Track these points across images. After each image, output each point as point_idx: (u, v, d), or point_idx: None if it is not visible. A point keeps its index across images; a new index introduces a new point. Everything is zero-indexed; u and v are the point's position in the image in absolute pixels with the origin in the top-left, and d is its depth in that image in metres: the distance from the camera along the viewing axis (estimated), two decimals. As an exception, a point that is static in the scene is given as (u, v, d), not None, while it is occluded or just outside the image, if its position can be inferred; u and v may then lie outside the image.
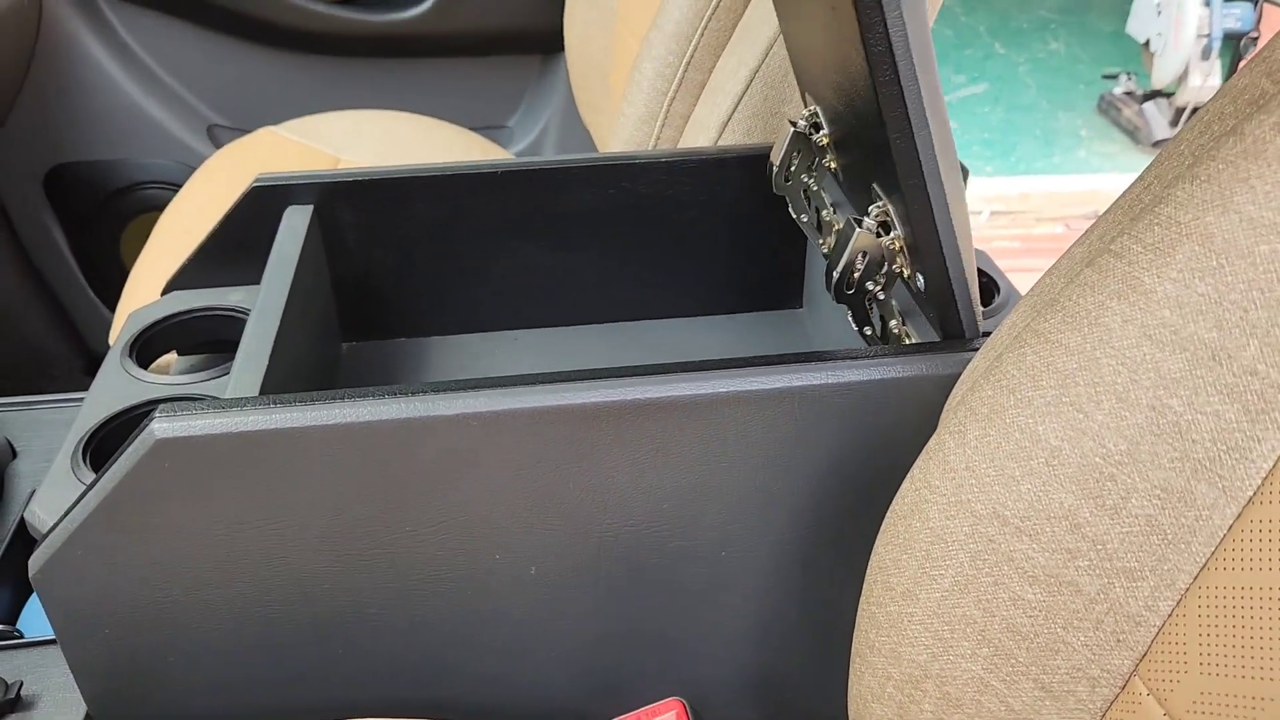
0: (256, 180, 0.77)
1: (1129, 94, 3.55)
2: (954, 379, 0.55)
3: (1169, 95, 3.36)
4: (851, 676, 0.51)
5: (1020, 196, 3.21)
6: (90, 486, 0.55)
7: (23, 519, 0.76)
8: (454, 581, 0.59)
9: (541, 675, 0.62)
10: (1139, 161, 3.33)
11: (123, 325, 0.76)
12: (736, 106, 0.80)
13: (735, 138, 0.81)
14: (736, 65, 0.81)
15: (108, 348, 1.62)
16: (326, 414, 0.53)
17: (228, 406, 0.53)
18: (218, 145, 1.55)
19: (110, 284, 1.60)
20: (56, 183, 1.53)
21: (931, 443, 0.47)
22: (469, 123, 1.55)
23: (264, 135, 1.37)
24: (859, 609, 0.51)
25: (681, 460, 0.56)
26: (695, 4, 0.83)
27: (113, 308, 1.61)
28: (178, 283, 0.80)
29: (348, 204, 0.75)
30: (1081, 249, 0.45)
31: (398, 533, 0.57)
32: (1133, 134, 3.48)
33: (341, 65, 1.55)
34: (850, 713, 0.52)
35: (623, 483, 0.57)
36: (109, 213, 1.56)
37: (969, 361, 0.55)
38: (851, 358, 0.56)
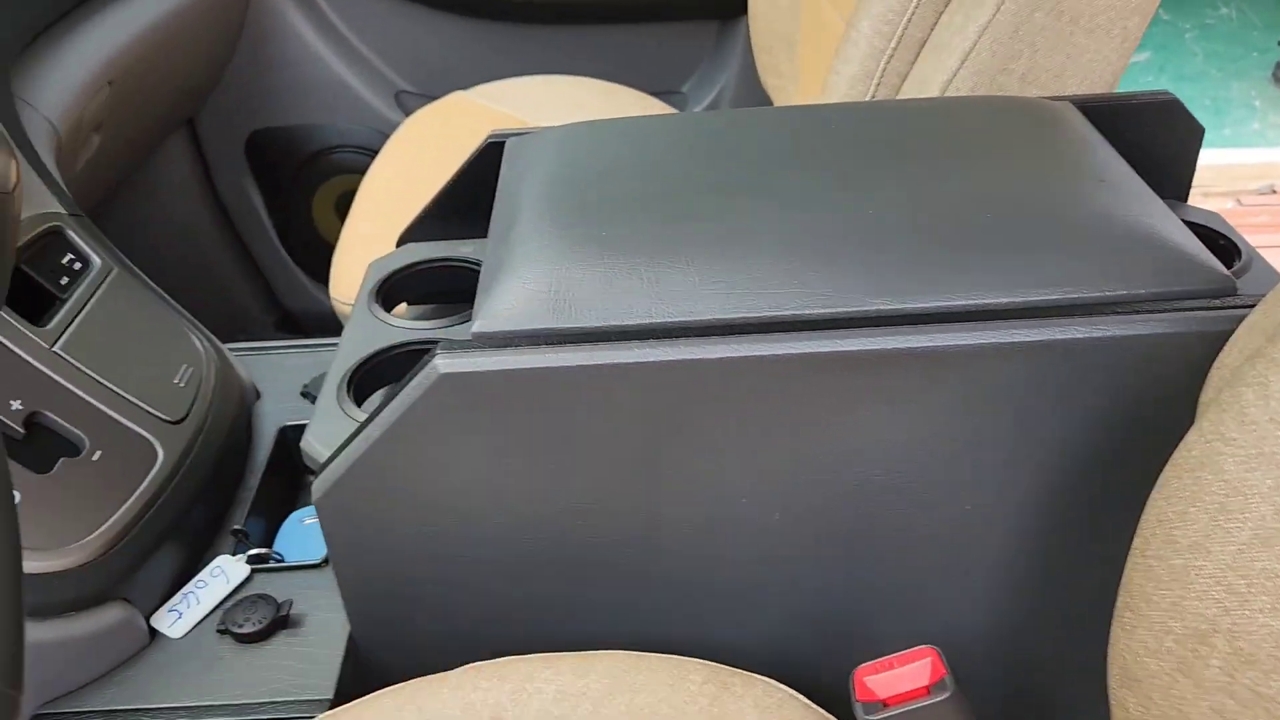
0: (490, 136, 0.79)
1: (1307, 62, 3.34)
2: (1223, 337, 0.54)
3: (1349, 64, 3.15)
4: (1117, 632, 0.51)
5: (1192, 170, 3.07)
6: (370, 418, 0.59)
7: (274, 451, 0.81)
8: (701, 523, 0.61)
9: (779, 619, 0.64)
10: (1318, 134, 3.14)
11: (365, 274, 0.80)
12: (962, 64, 0.79)
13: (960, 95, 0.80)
14: (964, 21, 0.80)
15: (297, 303, 1.70)
16: (596, 355, 0.55)
17: (505, 345, 0.56)
18: (405, 111, 1.60)
19: (302, 243, 1.68)
20: (255, 147, 1.61)
21: (1225, 396, 0.46)
22: (646, 88, 1.57)
23: (455, 100, 1.42)
24: (1129, 564, 0.50)
25: (939, 412, 0.57)
26: (919, -41, 0.83)
27: (303, 266, 1.69)
28: (411, 235, 0.83)
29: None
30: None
31: (654, 472, 0.59)
32: (1310, 104, 3.28)
33: (524, 32, 1.59)
34: (1113, 669, 0.52)
35: (877, 432, 0.57)
36: (303, 176, 1.63)
37: (1242, 319, 0.54)
38: (1117, 312, 0.55)
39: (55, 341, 0.71)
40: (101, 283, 0.79)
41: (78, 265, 0.79)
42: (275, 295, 1.73)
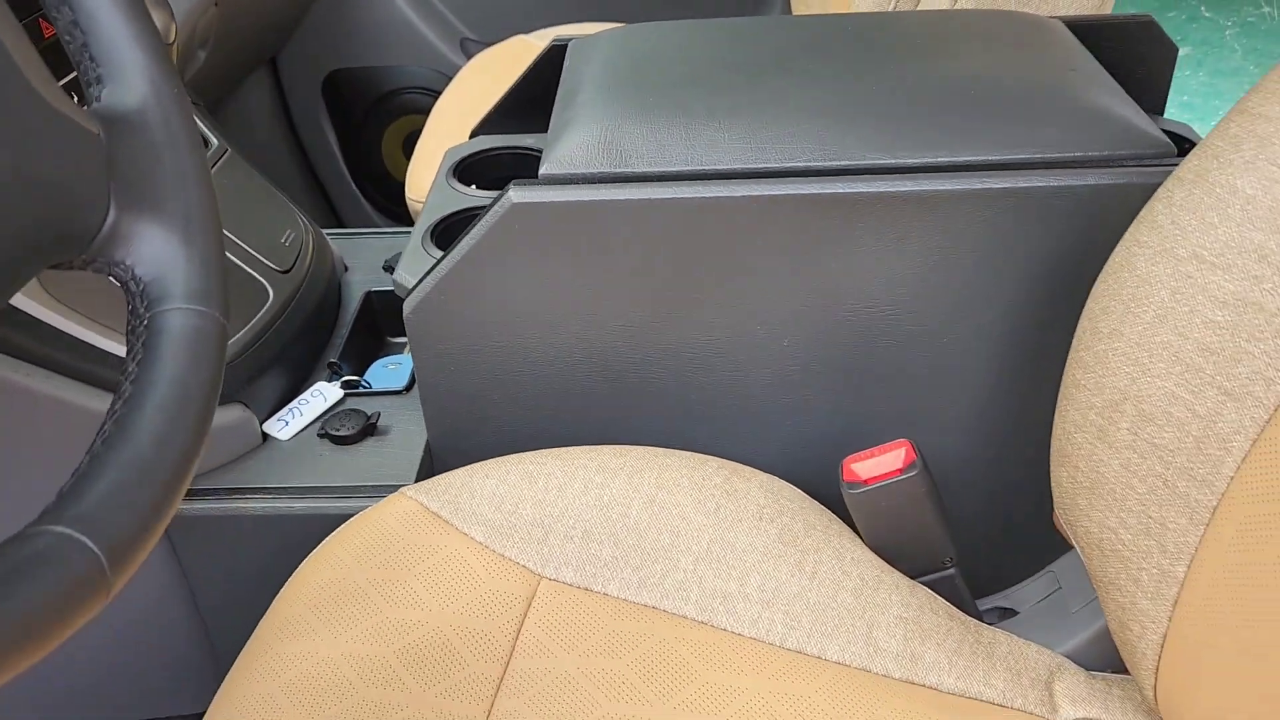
0: (555, 40, 0.92)
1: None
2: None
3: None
4: (1057, 417, 0.62)
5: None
6: (450, 249, 0.72)
7: (362, 311, 0.95)
8: (722, 344, 0.73)
9: (785, 431, 0.76)
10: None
11: (442, 158, 0.93)
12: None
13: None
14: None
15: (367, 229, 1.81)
16: (642, 192, 0.68)
17: (568, 181, 0.68)
18: (468, 56, 1.74)
19: (370, 178, 1.82)
20: (332, 86, 1.75)
21: (1142, 211, 0.58)
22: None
23: (516, 42, 1.54)
24: (1067, 361, 0.62)
25: (923, 248, 0.68)
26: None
27: (371, 200, 1.83)
28: (481, 130, 0.96)
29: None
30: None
31: (684, 296, 0.71)
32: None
33: (579, -15, 1.71)
34: (1053, 454, 0.63)
35: (871, 266, 0.69)
36: (373, 115, 1.77)
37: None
38: (1073, 167, 0.67)
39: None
40: (219, 161, 0.93)
41: (200, 143, 0.93)
42: (341, 222, 1.87)
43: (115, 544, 0.33)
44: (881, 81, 0.73)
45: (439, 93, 1.74)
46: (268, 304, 0.84)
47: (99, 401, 0.71)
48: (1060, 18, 0.87)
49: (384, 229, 1.07)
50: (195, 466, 0.39)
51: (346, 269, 1.01)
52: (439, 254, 0.78)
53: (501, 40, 1.74)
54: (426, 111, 1.76)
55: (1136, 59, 0.88)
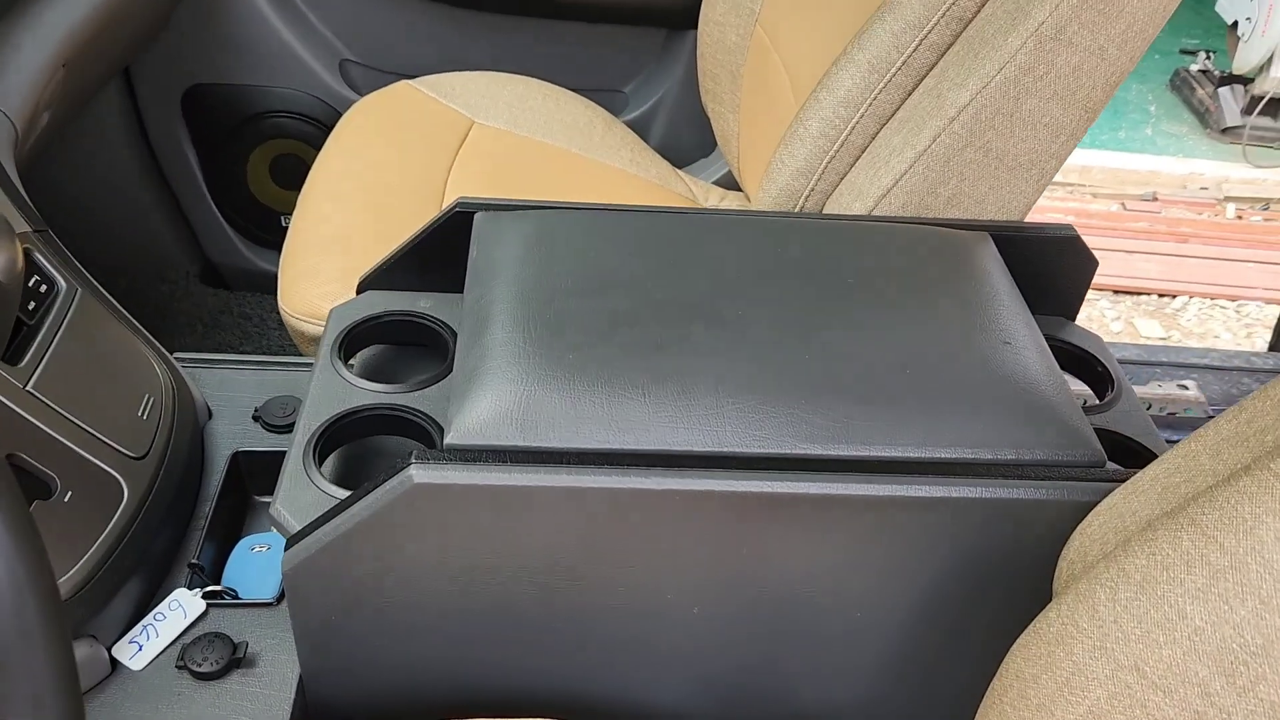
0: (458, 203, 0.84)
1: (1204, 73, 3.49)
2: (1087, 506, 0.64)
3: (1247, 82, 3.30)
4: None
5: (1081, 169, 3.21)
6: (341, 506, 0.65)
7: (227, 477, 0.86)
8: (629, 612, 0.69)
9: (695, 689, 0.73)
10: (1204, 147, 3.32)
11: (327, 322, 0.84)
12: (896, 183, 0.87)
13: (891, 209, 0.88)
14: (902, 144, 0.87)
15: (222, 256, 1.70)
16: (557, 478, 0.62)
17: (475, 460, 0.62)
18: (348, 80, 1.61)
19: (233, 201, 1.68)
20: (193, 101, 1.60)
21: (1082, 586, 0.56)
22: (588, 83, 1.61)
23: (402, 89, 1.44)
24: (988, 698, 0.61)
25: (840, 545, 0.66)
26: (869, 76, 0.90)
27: (232, 222, 1.70)
28: (370, 283, 0.88)
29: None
30: (1239, 448, 0.53)
31: (595, 573, 0.67)
32: (1203, 116, 3.44)
33: (472, 17, 1.60)
34: None
35: (788, 555, 0.66)
36: (239, 136, 1.63)
37: (1105, 492, 0.64)
38: (1004, 475, 0.65)
39: (29, 380, 0.74)
40: (69, 308, 0.82)
41: (44, 288, 0.82)
42: (201, 247, 1.73)
43: None
44: (813, 347, 0.69)
45: (314, 119, 1.61)
46: (122, 505, 0.75)
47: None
48: (985, 225, 0.85)
49: (254, 359, 0.98)
50: None
51: (211, 415, 0.92)
52: (323, 482, 0.70)
53: (385, 68, 1.63)
54: (299, 137, 1.63)
55: (1057, 269, 0.87)
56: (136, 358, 0.85)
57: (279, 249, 1.71)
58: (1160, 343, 2.67)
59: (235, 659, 0.73)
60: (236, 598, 0.78)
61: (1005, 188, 0.87)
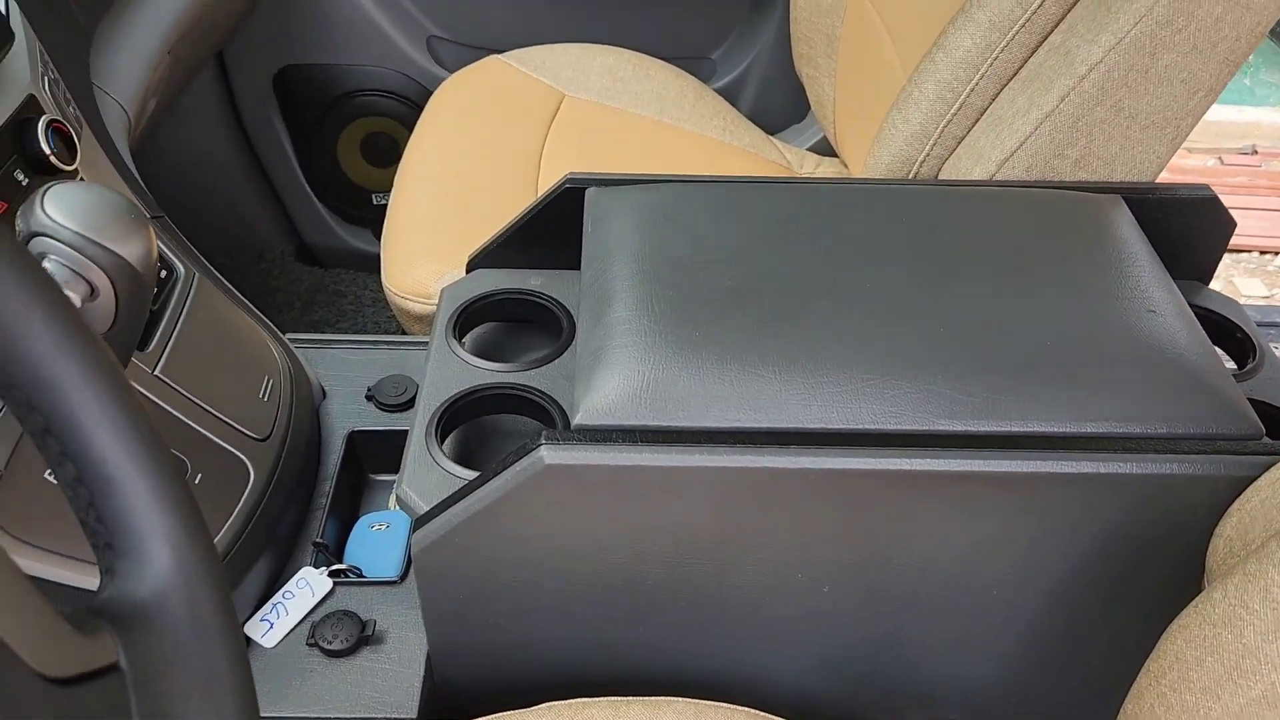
0: (568, 178, 0.83)
1: (1309, 19, 3.33)
2: (1244, 482, 0.61)
3: (1354, 27, 3.13)
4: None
5: (1175, 124, 3.09)
6: (469, 487, 0.65)
7: (343, 460, 0.87)
8: (758, 591, 0.68)
9: (822, 673, 0.72)
10: (1307, 96, 3.17)
11: (439, 302, 0.84)
12: (1021, 145, 0.84)
13: (1014, 174, 0.85)
14: (1027, 105, 0.84)
15: (316, 236, 1.71)
16: (688, 458, 0.61)
17: (604, 440, 0.61)
18: (435, 56, 1.61)
19: (325, 180, 1.69)
20: (284, 82, 1.61)
21: (1252, 566, 0.53)
22: (676, 50, 1.58)
23: (491, 64, 1.43)
24: (1142, 679, 0.58)
25: (979, 525, 0.63)
26: (989, 35, 0.86)
27: (325, 201, 1.71)
28: (479, 261, 0.88)
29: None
30: None
31: (725, 550, 0.65)
32: (1307, 64, 3.28)
33: (560, -12, 1.58)
34: None
35: (925, 535, 0.64)
36: (330, 115, 1.64)
37: (1265, 466, 0.61)
38: (1157, 450, 0.62)
39: (156, 365, 0.75)
40: (188, 292, 0.83)
41: (163, 273, 0.83)
42: (295, 227, 1.75)
43: None
44: (945, 317, 0.67)
45: (404, 97, 1.62)
46: (249, 486, 0.76)
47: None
48: (1115, 186, 0.81)
49: (364, 339, 0.98)
50: None
51: (325, 395, 0.92)
52: (448, 465, 0.70)
53: (473, 43, 1.62)
54: (390, 115, 1.64)
55: (1193, 232, 0.83)
56: (254, 340, 0.86)
57: (371, 227, 1.73)
58: (1265, 302, 2.57)
59: (364, 636, 0.74)
60: (361, 576, 0.79)
61: (1137, 147, 0.84)
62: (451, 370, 0.78)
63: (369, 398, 0.92)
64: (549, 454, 0.61)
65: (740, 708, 0.68)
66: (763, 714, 0.68)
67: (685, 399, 0.63)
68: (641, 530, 0.64)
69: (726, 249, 0.73)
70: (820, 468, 0.61)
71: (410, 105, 1.59)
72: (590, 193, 0.81)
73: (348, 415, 0.91)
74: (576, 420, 0.63)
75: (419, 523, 0.67)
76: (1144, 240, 0.76)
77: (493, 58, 1.44)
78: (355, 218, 1.73)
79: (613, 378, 0.64)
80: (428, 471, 0.70)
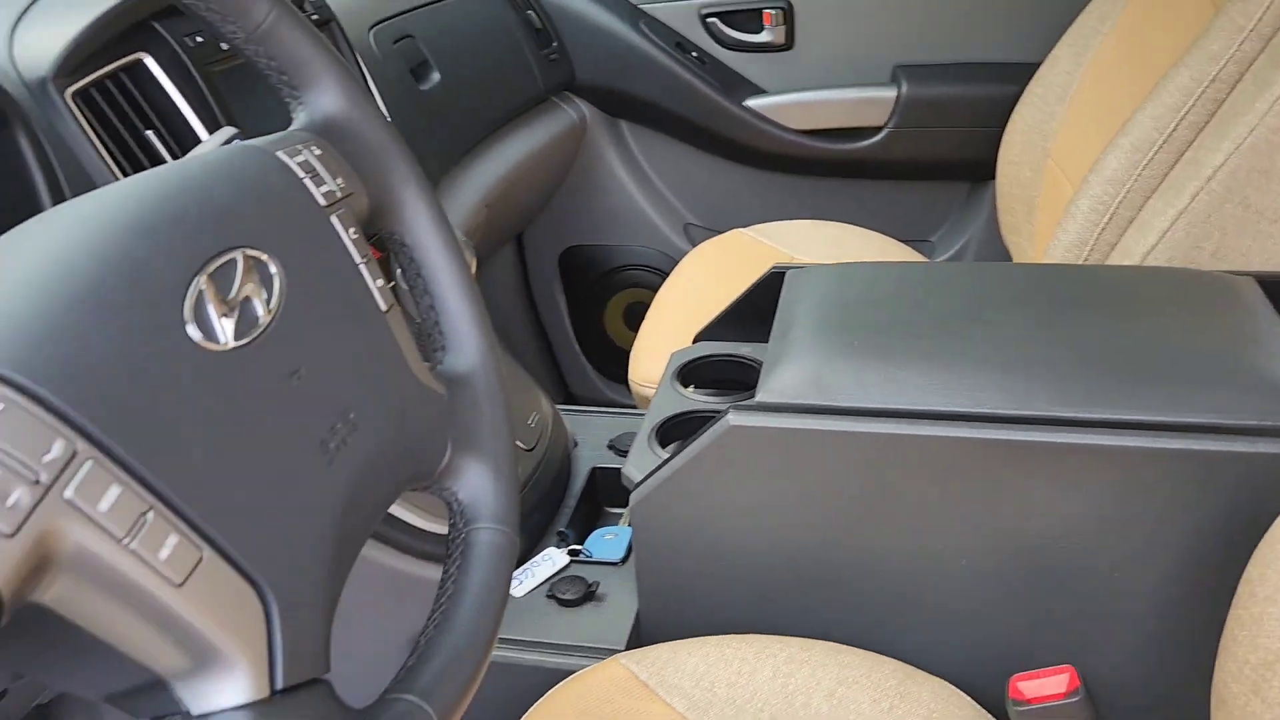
0: (773, 268, 1.06)
1: None
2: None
3: None
4: (1217, 665, 0.68)
5: None
6: (673, 455, 0.85)
7: (588, 484, 1.09)
8: (904, 557, 0.82)
9: (959, 634, 0.84)
10: None
11: (669, 362, 1.07)
12: (1160, 240, 0.99)
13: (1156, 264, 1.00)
14: (1164, 206, 1.00)
15: (583, 390, 1.99)
16: (844, 424, 0.79)
17: (779, 410, 0.80)
18: (690, 241, 1.92)
19: (593, 342, 2.01)
20: (567, 259, 1.97)
21: None
22: (899, 235, 1.81)
23: (735, 235, 1.71)
24: (1230, 614, 0.68)
25: (1092, 497, 0.76)
26: (1133, 155, 1.04)
27: (591, 360, 2.02)
28: (703, 335, 1.10)
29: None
30: None
31: (873, 515, 0.81)
32: None
33: (798, 181, 1.87)
34: (1213, 694, 0.68)
35: (1044, 508, 0.77)
36: (600, 287, 1.97)
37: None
38: (1243, 431, 0.73)
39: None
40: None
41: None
42: (564, 380, 2.06)
43: (445, 710, 0.46)
44: (1068, 337, 0.82)
45: (662, 270, 1.93)
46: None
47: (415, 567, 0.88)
48: (1254, 274, 0.94)
49: (610, 409, 1.22)
50: (490, 652, 0.52)
51: (576, 444, 1.16)
52: (662, 453, 0.91)
53: (721, 230, 1.92)
54: (650, 286, 1.95)
55: None
56: (527, 386, 1.12)
57: (627, 383, 2.02)
58: None
59: (589, 593, 0.93)
60: (591, 557, 0.99)
61: (1270, 240, 0.96)
62: (671, 400, 1.00)
63: (610, 447, 1.14)
64: (734, 417, 0.81)
65: (884, 657, 0.81)
66: (905, 664, 0.81)
67: (844, 385, 0.81)
68: (804, 490, 0.81)
69: (894, 295, 0.92)
70: (953, 436, 0.77)
71: (665, 277, 1.90)
72: (789, 273, 1.03)
73: (592, 458, 1.14)
74: (757, 398, 0.83)
75: (637, 487, 0.87)
76: (1267, 305, 0.88)
77: (736, 230, 1.73)
78: (614, 374, 2.02)
79: (787, 369, 0.83)
80: (644, 457, 0.91)
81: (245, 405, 0.43)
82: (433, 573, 0.92)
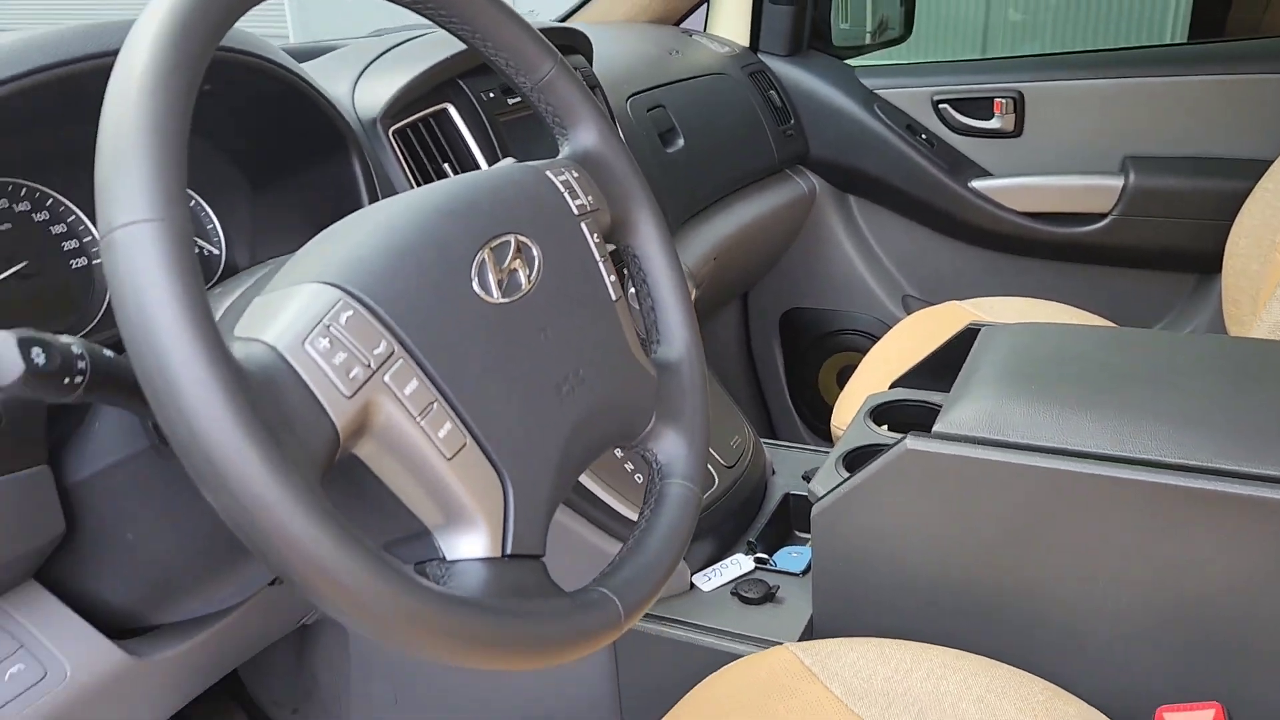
0: (970, 324, 1.14)
1: None
2: None
3: None
4: None
5: None
6: (853, 474, 0.95)
7: (780, 507, 1.19)
8: (1064, 586, 0.88)
9: (1109, 662, 0.88)
10: None
11: (864, 402, 1.17)
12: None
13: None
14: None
15: (790, 436, 2.09)
16: (1008, 456, 0.87)
17: (955, 439, 0.89)
18: (907, 311, 2.00)
19: (804, 398, 2.11)
20: (787, 321, 2.09)
21: None
22: (1119, 320, 1.82)
23: (949, 306, 1.78)
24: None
25: (1253, 549, 0.80)
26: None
27: (800, 414, 2.12)
28: (899, 383, 1.20)
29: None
30: None
31: (1038, 546, 0.88)
32: None
33: (1019, 260, 1.92)
34: None
35: (1208, 556, 0.82)
36: (816, 347, 2.08)
37: None
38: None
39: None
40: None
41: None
42: (773, 426, 2.17)
43: (629, 608, 0.59)
44: (1249, 402, 0.87)
45: (875, 337, 2.02)
46: (713, 488, 1.12)
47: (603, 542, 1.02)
48: None
49: (808, 445, 1.33)
50: (670, 576, 0.64)
51: (774, 472, 1.27)
52: (847, 474, 1.01)
53: (937, 302, 1.99)
54: (863, 350, 2.04)
55: None
56: (732, 413, 1.24)
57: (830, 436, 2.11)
58: None
59: (769, 594, 1.04)
60: (775, 567, 1.10)
61: None
62: (861, 433, 1.10)
63: (804, 477, 1.25)
64: (911, 443, 0.90)
65: (1033, 675, 0.87)
66: (1055, 687, 0.86)
67: (1016, 423, 0.89)
68: (971, 515, 0.89)
69: (1080, 353, 0.99)
70: (1118, 477, 0.83)
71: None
72: (984, 329, 1.12)
73: (787, 485, 1.25)
74: (936, 428, 0.92)
75: (820, 499, 0.98)
76: None
77: (952, 303, 1.80)
78: (821, 431, 2.12)
79: (968, 405, 0.92)
80: (833, 478, 1.01)
81: (505, 345, 0.58)
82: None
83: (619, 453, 1.04)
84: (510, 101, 1.07)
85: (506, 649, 0.51)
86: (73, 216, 0.77)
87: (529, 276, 0.61)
